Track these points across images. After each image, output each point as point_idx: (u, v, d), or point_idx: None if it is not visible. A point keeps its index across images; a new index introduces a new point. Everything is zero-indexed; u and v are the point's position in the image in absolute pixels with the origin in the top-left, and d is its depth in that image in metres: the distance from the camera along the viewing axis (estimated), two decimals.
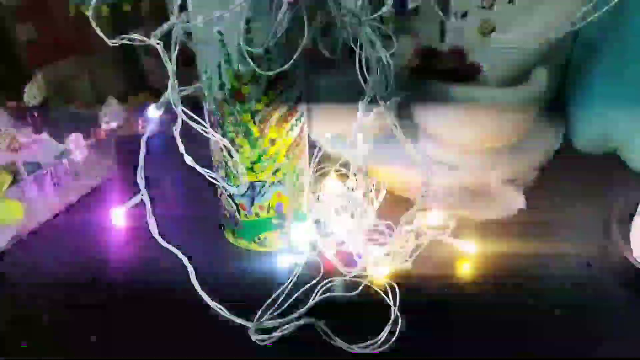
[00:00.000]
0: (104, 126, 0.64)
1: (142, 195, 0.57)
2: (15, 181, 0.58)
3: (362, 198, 0.54)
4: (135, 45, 0.44)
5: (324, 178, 0.59)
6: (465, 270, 0.54)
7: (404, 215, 0.51)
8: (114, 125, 0.65)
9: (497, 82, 0.57)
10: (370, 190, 0.59)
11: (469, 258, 0.55)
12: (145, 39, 0.47)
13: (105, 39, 0.49)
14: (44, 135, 0.62)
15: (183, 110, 0.45)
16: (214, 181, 0.53)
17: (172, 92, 0.44)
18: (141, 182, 0.56)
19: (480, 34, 0.58)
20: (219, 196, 0.57)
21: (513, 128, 0.59)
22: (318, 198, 0.58)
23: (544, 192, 0.63)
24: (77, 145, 0.60)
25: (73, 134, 0.61)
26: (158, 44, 0.45)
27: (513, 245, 0.56)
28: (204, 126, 0.47)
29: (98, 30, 0.48)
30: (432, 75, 0.56)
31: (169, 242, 0.57)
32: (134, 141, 0.56)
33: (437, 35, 0.60)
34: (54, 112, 0.69)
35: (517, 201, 0.60)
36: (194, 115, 0.47)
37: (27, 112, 0.68)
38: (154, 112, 0.48)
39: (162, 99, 0.47)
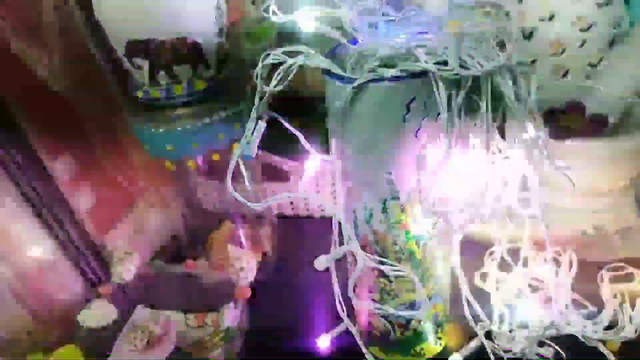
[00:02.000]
0: (243, 282, 0.61)
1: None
2: None
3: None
4: None
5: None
6: None
7: None
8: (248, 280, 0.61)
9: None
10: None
11: None
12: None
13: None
14: (170, 315, 0.58)
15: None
16: (370, 307, 0.52)
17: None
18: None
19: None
20: (363, 318, 0.56)
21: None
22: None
23: None
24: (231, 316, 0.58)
25: (225, 307, 0.59)
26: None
27: None
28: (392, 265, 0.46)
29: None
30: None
31: None
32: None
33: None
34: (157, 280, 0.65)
35: None
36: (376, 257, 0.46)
37: (138, 291, 0.63)
38: (322, 264, 0.47)
39: (333, 255, 0.46)
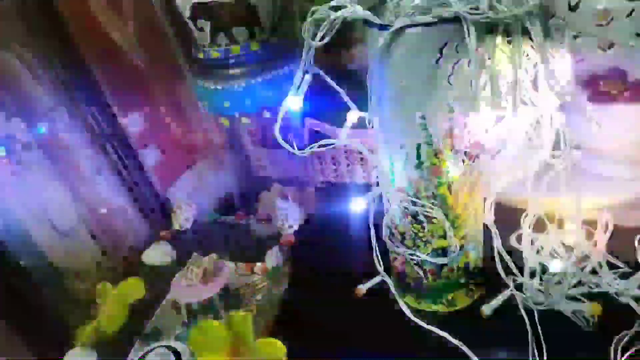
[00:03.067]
0: (288, 231, 0.66)
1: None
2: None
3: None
4: None
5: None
6: None
7: None
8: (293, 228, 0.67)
9: None
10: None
11: None
12: None
13: None
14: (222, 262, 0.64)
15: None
16: (401, 252, 0.56)
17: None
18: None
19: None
20: (399, 265, 0.59)
21: None
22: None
23: None
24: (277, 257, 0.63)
25: (273, 249, 0.65)
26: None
27: None
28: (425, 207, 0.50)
29: None
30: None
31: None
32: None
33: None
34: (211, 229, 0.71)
35: None
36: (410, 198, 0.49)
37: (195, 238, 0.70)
38: (359, 204, 0.51)
39: (369, 195, 0.50)
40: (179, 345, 0.53)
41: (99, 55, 0.66)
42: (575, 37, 0.63)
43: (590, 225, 0.63)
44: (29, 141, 0.59)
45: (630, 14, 0.62)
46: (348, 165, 0.86)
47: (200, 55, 0.62)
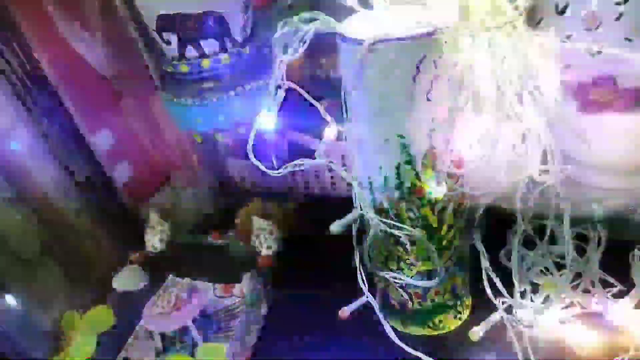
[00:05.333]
0: (267, 252, 0.63)
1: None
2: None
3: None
4: None
5: None
6: None
7: None
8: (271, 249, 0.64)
9: None
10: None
11: None
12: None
13: None
14: (199, 284, 0.61)
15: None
16: (386, 275, 0.53)
17: None
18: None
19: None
20: (383, 288, 0.56)
21: None
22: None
23: None
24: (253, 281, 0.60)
25: (249, 273, 0.62)
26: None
27: None
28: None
29: None
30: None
31: None
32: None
33: None
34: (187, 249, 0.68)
35: None
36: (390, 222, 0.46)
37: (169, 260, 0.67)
38: (336, 228, 0.48)
39: (346, 219, 0.47)
40: None
41: (62, 69, 0.63)
42: (567, 37, 0.61)
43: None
44: None
45: (619, 18, 0.59)
46: (332, 177, 0.83)
47: (169, 69, 0.59)
